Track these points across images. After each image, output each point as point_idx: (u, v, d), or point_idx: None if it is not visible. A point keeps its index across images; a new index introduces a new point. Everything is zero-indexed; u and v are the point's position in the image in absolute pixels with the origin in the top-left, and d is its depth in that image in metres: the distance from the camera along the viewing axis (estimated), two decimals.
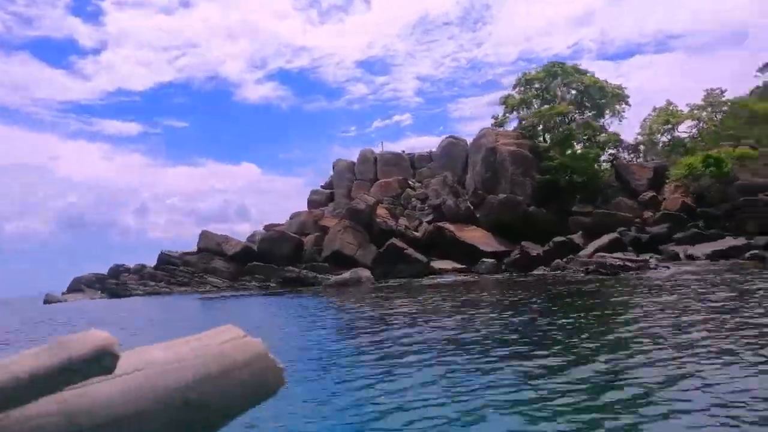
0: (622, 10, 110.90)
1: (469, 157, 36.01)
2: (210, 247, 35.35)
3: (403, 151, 42.75)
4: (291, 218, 39.29)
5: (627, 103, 37.64)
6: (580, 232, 27.79)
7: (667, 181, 30.98)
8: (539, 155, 32.48)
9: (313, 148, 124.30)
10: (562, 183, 31.36)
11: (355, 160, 42.79)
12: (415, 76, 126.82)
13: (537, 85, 47.99)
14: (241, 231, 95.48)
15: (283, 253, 32.32)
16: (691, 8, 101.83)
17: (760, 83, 54.60)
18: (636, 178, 31.60)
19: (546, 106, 35.23)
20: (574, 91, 46.46)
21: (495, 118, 51.45)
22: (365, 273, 26.02)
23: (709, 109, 42.42)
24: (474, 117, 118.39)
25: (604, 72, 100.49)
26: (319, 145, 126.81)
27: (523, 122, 35.17)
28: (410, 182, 37.96)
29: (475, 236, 29.86)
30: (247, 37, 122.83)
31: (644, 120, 50.81)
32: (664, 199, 30.52)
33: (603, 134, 32.49)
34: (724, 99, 41.51)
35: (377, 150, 42.81)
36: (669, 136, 41.50)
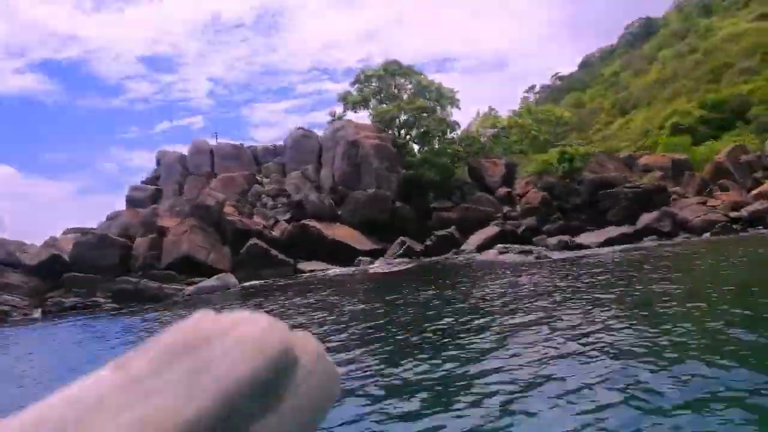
0: (404, 32, 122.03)
1: (324, 150, 33.41)
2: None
3: (241, 144, 38.33)
4: (108, 218, 32.26)
5: (458, 106, 38.36)
6: (454, 227, 27.20)
7: (518, 177, 32.38)
8: (399, 150, 31.40)
9: (86, 150, 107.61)
10: (424, 179, 30.67)
11: (184, 152, 37.05)
12: (206, 77, 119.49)
13: (375, 83, 47.70)
14: None
15: (106, 262, 25.96)
16: (462, 36, 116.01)
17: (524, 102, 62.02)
18: (489, 175, 32.36)
19: (404, 100, 34.29)
20: (410, 90, 47.06)
21: (332, 114, 49.83)
22: (232, 278, 21.76)
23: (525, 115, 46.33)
24: (271, 123, 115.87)
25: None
26: (93, 147, 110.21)
27: (376, 116, 33.69)
28: (257, 177, 33.89)
29: (344, 234, 27.42)
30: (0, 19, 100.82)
31: (469, 123, 53.82)
32: (518, 195, 31.77)
33: (456, 131, 32.64)
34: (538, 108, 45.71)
35: (212, 142, 37.69)
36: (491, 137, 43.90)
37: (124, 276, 24.85)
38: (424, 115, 31.97)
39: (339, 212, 29.34)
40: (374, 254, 26.10)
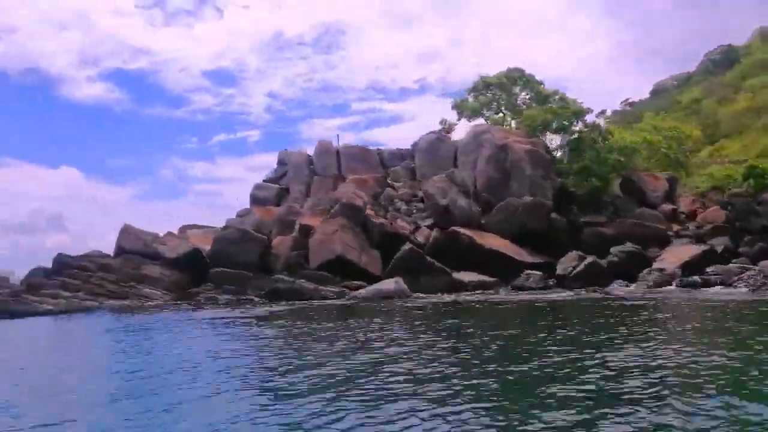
0: (462, 54, 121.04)
1: (462, 155, 31.19)
2: (135, 249, 26.16)
3: (366, 146, 36.75)
4: (239, 215, 31.17)
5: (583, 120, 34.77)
6: (629, 243, 24.15)
7: (682, 193, 29.09)
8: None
9: (147, 158, 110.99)
10: (580, 189, 27.88)
11: (309, 152, 35.84)
12: (265, 92, 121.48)
13: (493, 91, 45.34)
14: (53, 245, 78.96)
15: (246, 259, 24.57)
16: (521, 58, 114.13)
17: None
18: (652, 190, 29.14)
19: (557, 105, 31.66)
20: (528, 100, 44.34)
21: (443, 123, 47.75)
22: (402, 285, 19.62)
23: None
24: (326, 138, 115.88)
25: (448, 107, 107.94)
26: (154, 155, 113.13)
27: (525, 120, 31.11)
28: (388, 181, 32.08)
29: (497, 244, 24.92)
30: (77, 30, 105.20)
31: None
32: (683, 213, 28.42)
33: (608, 140, 29.59)
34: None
35: (334, 143, 36.27)
36: None
37: (264, 274, 23.45)
38: (577, 121, 29.15)
39: (482, 220, 26.93)
40: (539, 268, 23.40)
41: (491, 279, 23.17)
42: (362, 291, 19.77)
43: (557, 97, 43.56)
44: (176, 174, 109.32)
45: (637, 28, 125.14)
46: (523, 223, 25.66)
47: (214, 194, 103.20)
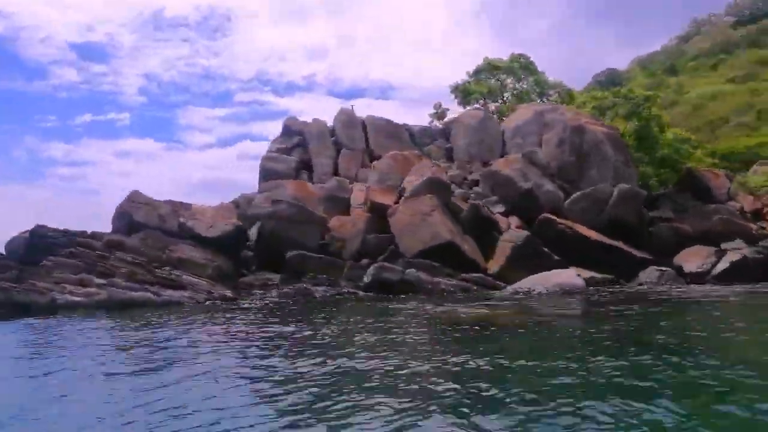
0: (352, 54, 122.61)
1: (515, 137, 27.85)
2: (151, 224, 19.96)
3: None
4: (269, 189, 25.39)
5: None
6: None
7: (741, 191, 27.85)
8: None
9: None
10: (657, 179, 25.69)
11: (328, 121, 30.66)
12: (140, 73, 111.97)
13: (497, 76, 42.87)
14: None
15: (306, 242, 19.49)
16: (407, 66, 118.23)
17: None
18: (716, 186, 27.63)
19: (623, 88, 29.22)
20: (530, 88, 42.43)
21: (437, 108, 44.55)
22: (578, 280, 15.68)
23: None
24: (204, 128, 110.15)
25: (333, 107, 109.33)
26: (4, 133, 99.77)
27: (592, 102, 28.37)
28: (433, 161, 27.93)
29: (599, 236, 21.88)
30: None
31: None
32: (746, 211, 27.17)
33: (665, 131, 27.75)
34: None
35: (357, 113, 31.40)
36: None
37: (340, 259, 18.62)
38: (641, 106, 26.88)
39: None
40: (647, 264, 20.66)
41: (599, 275, 20.00)
42: (522, 285, 15.58)
43: (564, 91, 42.04)
44: (30, 156, 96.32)
45: (524, 48, 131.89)
46: (615, 214, 22.80)
47: (76, 178, 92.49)
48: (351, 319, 11.70)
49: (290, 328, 10.42)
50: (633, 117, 26.63)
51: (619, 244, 21.25)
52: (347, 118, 29.99)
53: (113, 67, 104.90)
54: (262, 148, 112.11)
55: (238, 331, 10.17)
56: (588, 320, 10.99)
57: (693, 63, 72.48)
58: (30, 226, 20.27)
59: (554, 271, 16.56)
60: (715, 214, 25.26)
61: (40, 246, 19.09)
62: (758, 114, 49.80)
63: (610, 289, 16.86)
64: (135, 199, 20.25)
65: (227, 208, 24.61)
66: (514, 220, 22.17)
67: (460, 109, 45.48)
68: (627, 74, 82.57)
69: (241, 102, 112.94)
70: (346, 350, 7.85)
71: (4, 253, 27.64)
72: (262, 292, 17.44)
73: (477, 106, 42.35)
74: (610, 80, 78.22)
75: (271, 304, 15.09)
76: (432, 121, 38.23)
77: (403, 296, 15.75)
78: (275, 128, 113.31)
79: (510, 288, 15.95)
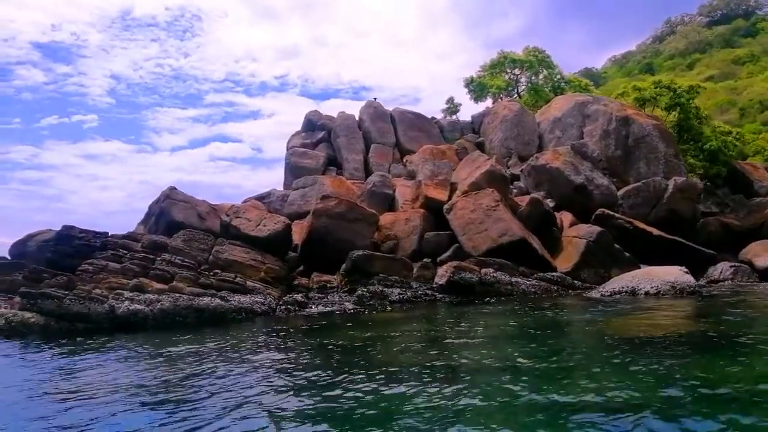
0: (324, 55, 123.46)
1: (553, 129, 26.84)
2: (191, 223, 18.36)
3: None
4: (296, 187, 23.88)
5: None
6: None
7: None
8: None
9: None
10: (702, 173, 24.90)
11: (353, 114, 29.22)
12: (108, 74, 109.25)
13: (512, 69, 42.05)
14: None
15: (357, 241, 18.09)
16: (381, 67, 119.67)
17: None
18: (758, 179, 26.99)
19: (664, 78, 28.39)
20: (546, 83, 41.73)
21: (449, 102, 43.62)
22: (688, 276, 14.45)
23: None
24: (175, 130, 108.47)
25: (306, 108, 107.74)
26: None
27: (633, 93, 27.43)
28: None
29: (659, 232, 20.92)
30: None
31: None
32: None
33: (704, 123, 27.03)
34: None
35: (382, 106, 30.01)
36: None
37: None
38: (683, 98, 26.08)
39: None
40: (710, 261, 19.76)
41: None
42: (620, 285, 14.36)
43: (583, 85, 41.32)
44: None
45: (496, 46, 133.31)
46: (671, 208, 21.88)
47: (41, 182, 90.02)
48: (500, 330, 10.28)
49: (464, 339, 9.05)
50: (675, 109, 25.78)
51: (682, 239, 20.29)
52: (375, 111, 28.66)
53: (79, 67, 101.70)
54: (234, 149, 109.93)
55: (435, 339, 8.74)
56: None
57: (669, 62, 73.41)
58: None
59: (654, 267, 15.45)
60: (765, 208, 24.60)
61: (67, 249, 17.34)
62: (741, 111, 50.18)
63: (711, 288, 15.74)
64: (173, 196, 18.61)
65: (256, 206, 23.06)
66: (566, 216, 21.13)
67: (473, 104, 44.69)
68: (604, 73, 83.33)
69: (212, 103, 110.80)
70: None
71: (8, 258, 25.71)
72: (321, 295, 16.01)
73: (488, 102, 41.51)
74: (590, 78, 78.86)
75: (351, 309, 13.72)
76: (445, 116, 37.12)
77: (490, 299, 14.47)
78: (247, 129, 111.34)
79: (603, 288, 14.76)
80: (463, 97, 53.18)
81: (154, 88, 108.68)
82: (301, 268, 18.70)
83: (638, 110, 25.52)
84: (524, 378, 6.18)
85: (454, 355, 7.67)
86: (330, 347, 8.89)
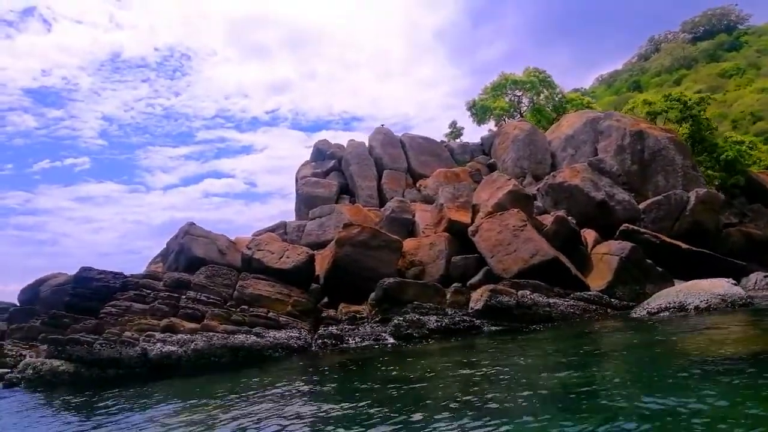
0: (314, 88, 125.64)
1: (566, 147, 26.68)
2: (213, 258, 17.88)
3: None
4: (314, 216, 23.44)
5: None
6: None
7: None
8: None
9: None
10: (720, 183, 24.68)
11: (363, 141, 29.00)
12: (99, 115, 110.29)
13: (513, 91, 42.20)
14: None
15: (383, 267, 17.61)
16: (372, 96, 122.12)
17: None
18: None
19: (675, 90, 28.39)
20: (546, 103, 41.87)
21: (452, 126, 43.68)
22: (737, 288, 14.01)
23: None
24: (168, 168, 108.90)
25: (298, 141, 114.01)
26: None
27: (642, 108, 27.37)
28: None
29: (685, 246, 20.56)
30: None
31: None
32: None
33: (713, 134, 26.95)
34: None
35: (390, 133, 29.83)
36: None
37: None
38: (694, 109, 26.02)
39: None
40: (742, 273, 19.35)
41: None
42: (666, 301, 13.87)
43: (584, 103, 41.45)
44: None
45: (482, 72, 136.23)
46: (694, 220, 21.57)
47: (35, 228, 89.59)
48: (559, 360, 9.79)
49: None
50: (686, 121, 25.69)
51: (710, 252, 19.93)
52: (385, 138, 28.48)
53: (71, 111, 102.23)
54: (227, 184, 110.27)
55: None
56: None
57: (656, 79, 74.25)
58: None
59: (699, 281, 14.99)
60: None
61: (86, 292, 16.77)
62: (733, 123, 50.62)
63: (758, 299, 15.27)
64: (192, 231, 18.16)
65: (274, 238, 22.62)
66: (590, 233, 20.73)
67: (475, 127, 44.73)
68: (593, 93, 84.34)
69: (204, 140, 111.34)
70: None
71: (17, 304, 25.04)
72: (352, 326, 15.44)
73: (491, 125, 41.56)
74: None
75: (391, 342, 13.17)
76: (447, 141, 37.04)
77: (534, 326, 13.96)
78: (240, 164, 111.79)
79: (648, 305, 14.27)
80: (463, 120, 53.31)
81: (145, 127, 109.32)
82: (326, 299, 18.17)
83: (651, 124, 25.41)
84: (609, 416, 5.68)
85: (522, 392, 7.15)
86: (379, 385, 8.36)
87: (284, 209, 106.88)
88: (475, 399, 6.73)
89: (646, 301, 14.83)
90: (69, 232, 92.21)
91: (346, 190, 27.30)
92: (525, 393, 6.76)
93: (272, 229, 24.44)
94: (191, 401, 8.54)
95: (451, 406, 6.49)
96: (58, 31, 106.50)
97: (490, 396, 6.80)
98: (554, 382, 7.33)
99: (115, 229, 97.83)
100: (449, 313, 15.06)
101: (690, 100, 26.15)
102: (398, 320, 14.08)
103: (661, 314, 13.32)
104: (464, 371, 8.86)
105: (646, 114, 26.74)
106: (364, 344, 13.24)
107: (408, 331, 13.73)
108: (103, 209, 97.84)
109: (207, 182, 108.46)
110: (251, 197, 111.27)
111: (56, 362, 11.43)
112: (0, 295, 27.04)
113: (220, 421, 7.02)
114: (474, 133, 47.35)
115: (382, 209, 22.46)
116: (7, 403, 9.88)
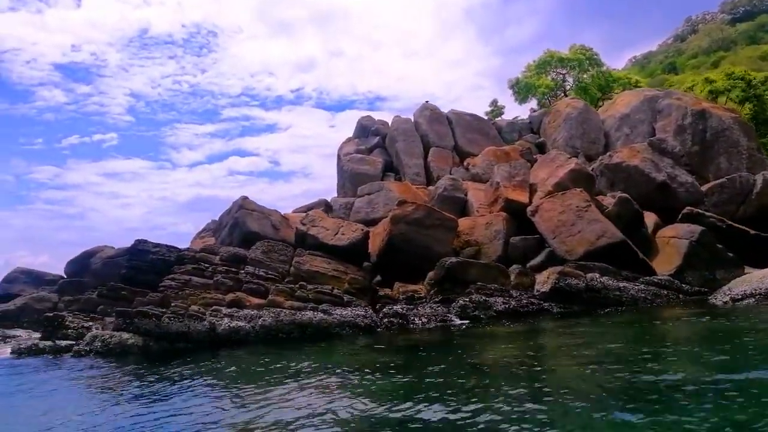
0: (340, 67, 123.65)
1: (621, 126, 25.67)
2: (266, 233, 17.62)
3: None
4: (361, 194, 23.04)
5: None
6: None
7: None
8: None
9: None
10: None
11: (404, 117, 28.37)
12: (127, 92, 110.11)
13: (558, 69, 40.89)
14: None
15: (436, 248, 17.13)
16: (395, 76, 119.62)
17: None
18: None
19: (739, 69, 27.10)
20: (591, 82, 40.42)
21: (493, 105, 42.61)
22: None
23: None
24: (194, 146, 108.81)
25: (322, 120, 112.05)
26: None
27: (705, 86, 26.18)
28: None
29: (754, 231, 19.61)
30: None
31: None
32: None
33: None
34: None
35: (436, 110, 29.11)
36: None
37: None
38: (759, 89, 24.75)
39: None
40: None
41: None
42: (752, 287, 13.16)
43: (631, 82, 40.04)
44: (17, 178, 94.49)
45: (512, 52, 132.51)
46: (763, 205, 20.52)
47: (64, 202, 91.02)
48: (649, 347, 9.26)
49: None
50: (750, 101, 24.45)
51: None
52: (432, 114, 27.75)
53: (99, 87, 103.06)
54: (252, 162, 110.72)
55: None
56: None
57: (693, 61, 71.30)
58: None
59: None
60: None
61: (142, 265, 16.71)
62: None
63: None
64: (246, 206, 17.91)
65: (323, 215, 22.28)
66: (650, 216, 19.89)
67: (516, 106, 43.63)
68: (626, 74, 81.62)
69: (229, 117, 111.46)
70: None
71: (65, 276, 25.29)
72: (410, 306, 15.05)
73: (533, 103, 40.46)
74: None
75: (458, 323, 12.77)
76: (490, 118, 36.10)
77: (604, 309, 13.41)
78: (264, 142, 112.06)
79: (730, 291, 13.55)
80: (503, 99, 51.99)
81: (172, 104, 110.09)
82: (378, 278, 17.80)
83: (712, 103, 24.25)
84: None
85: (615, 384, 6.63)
86: (466, 371, 7.94)
87: (306, 188, 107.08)
88: (573, 390, 6.25)
89: (726, 287, 14.10)
90: (97, 207, 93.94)
91: (391, 168, 26.78)
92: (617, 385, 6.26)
93: (311, 207, 24.09)
94: (267, 376, 8.27)
95: (534, 395, 6.03)
96: (88, 6, 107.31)
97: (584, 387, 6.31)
98: (637, 376, 6.78)
99: (142, 205, 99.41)
100: (514, 295, 14.57)
101: (754, 79, 24.84)
102: (464, 301, 13.65)
103: (745, 301, 12.62)
104: (545, 357, 8.41)
105: (707, 93, 25.51)
106: (430, 325, 12.84)
107: (475, 313, 13.31)
108: (130, 185, 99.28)
109: (232, 160, 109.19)
110: (275, 176, 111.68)
111: (125, 335, 11.30)
112: (32, 267, 27.46)
113: (300, 394, 6.76)
114: (514, 112, 46.01)
115: (434, 187, 21.90)
116: (86, 373, 9.77)
